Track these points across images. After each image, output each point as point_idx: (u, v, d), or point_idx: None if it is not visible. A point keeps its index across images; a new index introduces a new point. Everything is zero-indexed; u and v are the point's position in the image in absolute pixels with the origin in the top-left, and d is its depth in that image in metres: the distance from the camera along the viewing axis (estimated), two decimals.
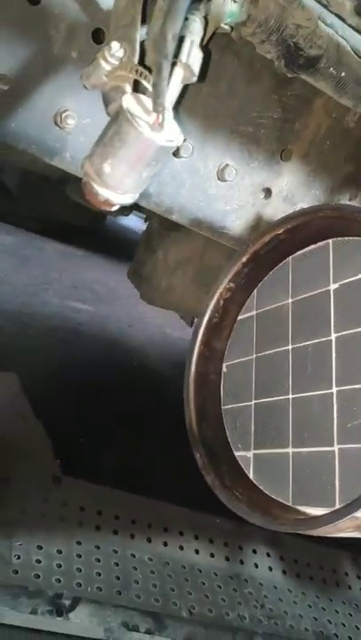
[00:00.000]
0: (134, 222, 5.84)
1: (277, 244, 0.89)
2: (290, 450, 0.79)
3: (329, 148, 1.07)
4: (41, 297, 3.52)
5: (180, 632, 1.49)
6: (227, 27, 0.75)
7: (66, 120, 0.82)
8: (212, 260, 1.71)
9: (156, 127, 0.63)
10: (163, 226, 1.75)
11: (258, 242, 0.90)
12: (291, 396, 0.82)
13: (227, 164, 1.01)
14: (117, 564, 1.71)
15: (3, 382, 2.40)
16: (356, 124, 1.05)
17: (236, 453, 0.87)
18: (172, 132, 0.65)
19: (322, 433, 0.76)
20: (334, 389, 0.76)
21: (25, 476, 1.86)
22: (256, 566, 1.94)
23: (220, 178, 1.02)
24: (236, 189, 1.05)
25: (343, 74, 0.79)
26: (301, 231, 0.86)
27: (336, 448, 0.73)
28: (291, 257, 0.90)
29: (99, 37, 0.82)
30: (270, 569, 1.96)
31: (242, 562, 1.93)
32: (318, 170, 1.08)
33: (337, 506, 0.71)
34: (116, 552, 1.76)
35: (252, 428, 0.86)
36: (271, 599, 1.84)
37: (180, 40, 0.65)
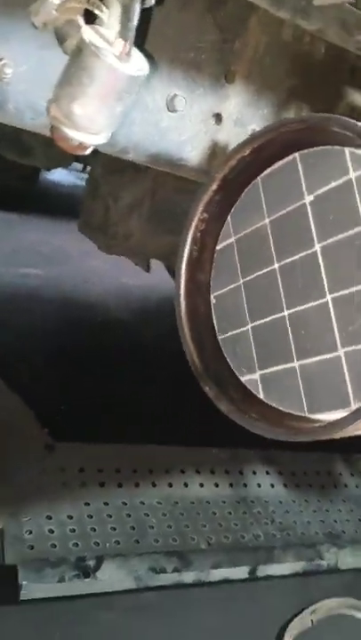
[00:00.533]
0: (62, 176, 5.63)
1: (244, 166, 0.87)
2: (295, 363, 0.80)
3: (269, 64, 1.05)
4: None
5: (205, 563, 1.55)
6: None
7: (3, 70, 0.76)
8: (164, 197, 1.67)
9: (123, 57, 0.59)
10: (107, 170, 1.68)
11: (225, 167, 0.87)
12: (286, 313, 0.82)
13: (175, 94, 0.98)
14: (129, 515, 1.75)
15: None
16: (293, 38, 1.03)
17: (243, 378, 0.87)
18: (139, 61, 0.61)
19: (324, 341, 0.77)
20: (329, 297, 0.77)
21: (16, 451, 1.84)
22: (259, 486, 2.03)
23: (171, 109, 0.99)
24: (187, 119, 1.02)
25: None
26: (267, 149, 0.84)
27: (341, 352, 0.75)
28: (259, 177, 0.88)
29: None
30: (272, 486, 2.05)
31: (245, 485, 2.01)
32: (263, 88, 1.06)
33: (353, 406, 0.73)
34: (125, 504, 1.79)
35: (253, 350, 0.86)
36: (279, 513, 1.93)
37: None
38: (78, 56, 0.58)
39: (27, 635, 1.32)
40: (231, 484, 2.00)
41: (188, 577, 1.51)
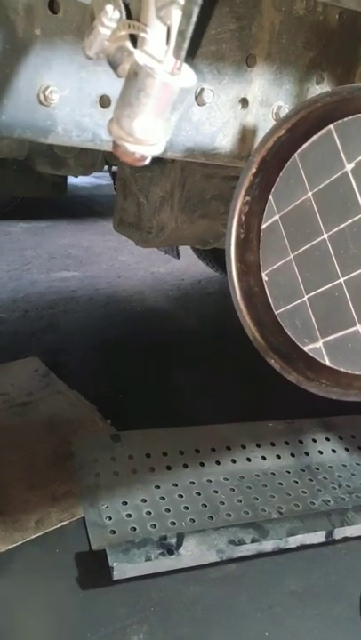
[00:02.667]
0: (81, 178, 5.70)
1: (281, 145, 0.90)
2: (358, 326, 0.83)
3: (287, 41, 1.08)
4: (27, 278, 3.50)
5: (281, 531, 1.60)
6: None
7: (50, 96, 0.82)
8: (193, 185, 1.70)
9: (175, 72, 0.63)
10: (135, 169, 1.72)
11: (262, 149, 0.90)
12: (342, 279, 0.85)
13: (202, 88, 1.01)
14: (199, 494, 1.81)
15: (28, 368, 2.43)
16: (305, 11, 1.05)
17: (306, 348, 0.91)
18: (187, 72, 0.65)
19: None
20: None
21: (86, 444, 1.93)
22: (321, 453, 2.06)
23: (200, 102, 1.02)
24: (216, 109, 1.05)
25: None
26: (301, 126, 0.87)
27: None
28: (296, 153, 0.91)
29: (53, 8, 0.83)
30: (334, 451, 2.08)
31: (307, 453, 2.05)
32: (283, 65, 1.09)
33: None
34: (193, 483, 1.85)
35: (313, 320, 0.90)
36: (345, 477, 1.96)
37: None
38: (134, 78, 0.62)
39: (123, 612, 1.40)
40: (293, 454, 2.04)
41: (268, 546, 1.57)
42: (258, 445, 2.06)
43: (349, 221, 0.84)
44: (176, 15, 0.59)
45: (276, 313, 0.96)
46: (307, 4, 1.05)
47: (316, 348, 0.90)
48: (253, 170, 0.93)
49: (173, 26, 0.60)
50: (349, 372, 0.85)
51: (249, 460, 2.00)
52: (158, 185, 1.77)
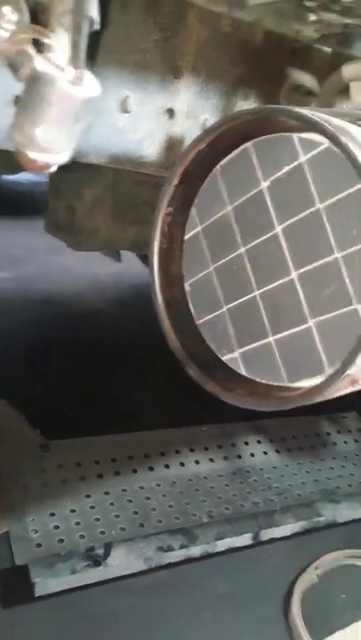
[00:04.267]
0: (19, 175, 5.55)
1: (202, 158, 0.91)
2: (271, 338, 0.86)
3: (213, 55, 1.10)
4: None
5: (210, 536, 1.61)
6: None
7: None
8: (125, 190, 1.70)
9: (77, 82, 0.62)
10: (67, 171, 1.70)
11: (184, 161, 0.91)
12: (258, 292, 0.87)
13: (127, 96, 1.01)
14: (130, 501, 1.80)
15: None
16: (232, 28, 1.07)
17: (224, 358, 0.93)
18: (90, 83, 0.64)
19: (295, 314, 0.82)
20: (294, 274, 0.82)
21: (13, 454, 1.88)
22: (252, 455, 2.10)
23: (124, 110, 1.03)
24: (141, 117, 1.06)
25: None
26: (222, 141, 0.88)
27: (311, 323, 0.80)
28: (217, 167, 0.92)
29: None
30: (265, 453, 2.13)
31: (239, 456, 2.08)
32: (209, 79, 1.11)
33: (327, 371, 0.79)
34: (125, 490, 1.84)
35: (231, 330, 0.91)
36: (275, 479, 2.01)
37: None
38: (34, 84, 0.60)
39: (47, 630, 1.37)
40: (226, 458, 2.07)
41: (196, 551, 1.58)
42: (192, 450, 2.08)
43: (264, 237, 0.85)
44: (72, 24, 0.58)
45: (197, 323, 0.97)
46: (233, 22, 1.07)
47: (233, 358, 0.91)
48: (176, 181, 0.93)
49: (71, 35, 0.59)
50: (264, 381, 0.87)
51: (182, 464, 2.01)
52: (90, 189, 1.75)
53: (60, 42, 0.62)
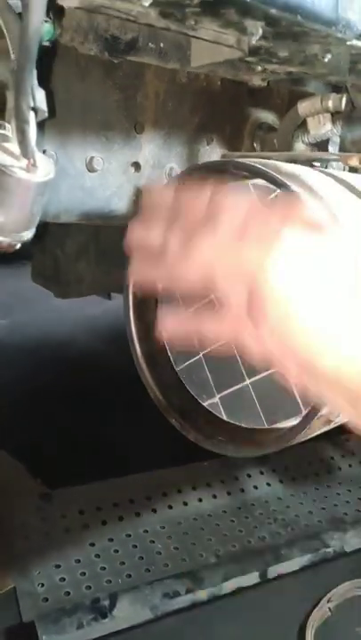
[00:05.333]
0: None
1: None
2: (247, 382, 0.86)
3: (173, 107, 1.13)
4: None
5: (216, 577, 1.59)
6: (48, 43, 0.77)
7: None
8: (107, 238, 1.72)
9: (30, 168, 0.65)
10: (50, 223, 1.73)
11: None
12: None
13: (92, 157, 1.04)
14: (135, 546, 1.78)
15: None
16: (187, 79, 1.10)
17: (205, 404, 0.93)
18: (45, 166, 0.67)
19: None
20: None
21: (14, 506, 1.86)
22: (256, 488, 2.08)
23: (91, 169, 1.05)
24: (108, 175, 1.08)
25: (162, 44, 0.84)
26: None
27: None
28: None
29: None
30: (268, 484, 2.10)
31: (242, 490, 2.06)
32: (172, 130, 1.14)
33: (303, 411, 0.79)
34: (130, 535, 1.81)
35: (209, 375, 0.92)
36: (280, 510, 1.98)
37: None
38: None
39: None
40: (229, 493, 2.05)
41: (202, 595, 1.55)
42: (194, 488, 2.05)
43: None
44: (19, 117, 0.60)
45: (177, 370, 0.97)
46: (188, 74, 1.10)
47: (213, 403, 0.91)
48: None
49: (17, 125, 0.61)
50: (244, 425, 0.87)
51: (185, 503, 1.98)
52: (73, 238, 1.78)
53: (15, 131, 0.65)
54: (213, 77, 1.13)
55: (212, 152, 1.20)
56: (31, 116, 0.64)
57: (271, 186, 0.78)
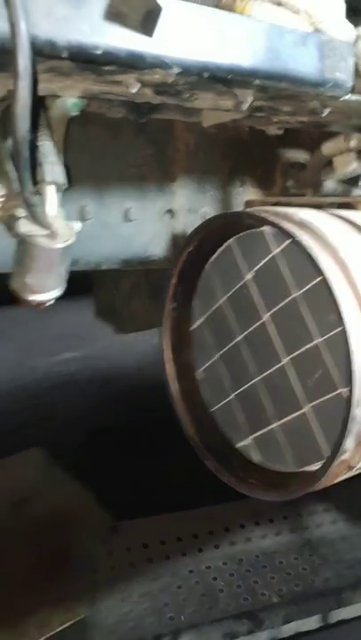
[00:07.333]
0: None
1: (193, 258, 0.97)
2: (276, 424, 0.87)
3: (204, 156, 1.18)
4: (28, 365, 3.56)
5: (276, 619, 1.56)
6: (77, 113, 0.84)
7: None
8: (156, 276, 1.79)
9: (53, 236, 0.72)
10: None
11: (178, 263, 0.98)
12: (258, 378, 0.89)
13: (128, 208, 1.10)
14: (198, 583, 1.78)
15: (28, 460, 2.44)
16: (217, 129, 1.15)
17: (238, 445, 0.94)
18: (66, 233, 0.74)
19: (292, 399, 0.84)
20: (285, 360, 0.84)
21: (83, 540, 1.92)
22: (319, 526, 2.02)
23: (127, 219, 1.12)
24: (144, 223, 1.15)
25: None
26: (207, 242, 0.94)
27: (307, 408, 0.81)
28: (207, 264, 0.98)
29: None
30: (333, 522, 2.04)
31: (306, 527, 2.01)
32: (204, 176, 1.19)
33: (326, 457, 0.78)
34: (192, 572, 1.82)
35: (242, 417, 0.94)
36: (345, 549, 1.92)
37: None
38: (22, 243, 0.72)
39: None
40: (292, 530, 2.01)
41: (263, 637, 1.52)
42: (257, 523, 2.03)
43: (255, 325, 0.89)
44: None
45: (210, 411, 1.00)
46: (215, 125, 1.15)
47: (246, 445, 0.93)
48: (174, 281, 1.00)
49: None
50: (275, 469, 0.87)
51: (248, 539, 1.97)
52: (126, 277, 1.87)
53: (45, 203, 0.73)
54: (240, 127, 1.17)
55: (245, 193, 1.25)
56: (51, 190, 0.72)
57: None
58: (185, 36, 0.62)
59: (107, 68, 0.64)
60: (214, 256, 0.96)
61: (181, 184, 1.17)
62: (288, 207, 0.91)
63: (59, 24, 0.54)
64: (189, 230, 1.19)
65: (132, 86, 0.69)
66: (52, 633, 1.60)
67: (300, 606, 1.61)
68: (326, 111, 0.86)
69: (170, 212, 1.17)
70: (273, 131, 1.03)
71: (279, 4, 0.70)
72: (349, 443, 0.72)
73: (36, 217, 0.70)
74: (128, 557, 1.87)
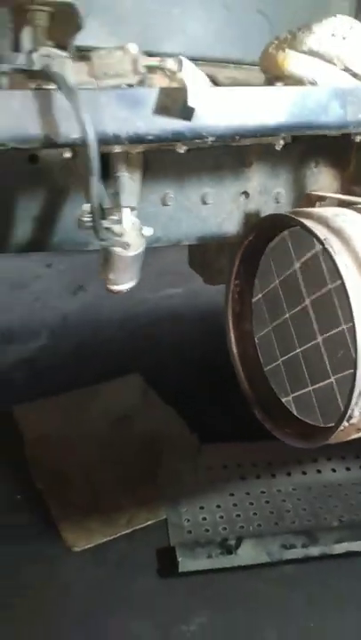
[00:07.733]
0: None
1: (254, 245, 1.15)
2: (310, 388, 1.07)
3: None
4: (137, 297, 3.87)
5: (329, 539, 1.80)
6: None
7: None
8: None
9: (125, 246, 0.94)
10: None
11: (242, 248, 1.17)
12: (298, 350, 1.09)
13: (206, 192, 1.27)
14: (268, 502, 2.05)
15: (129, 385, 2.81)
16: None
17: (283, 400, 1.16)
18: (137, 243, 0.96)
19: (323, 371, 1.02)
20: (320, 338, 1.02)
21: (173, 456, 2.26)
22: None
23: (205, 202, 1.28)
24: (220, 205, 1.30)
25: None
26: (265, 232, 1.12)
27: (333, 379, 1.00)
28: (267, 249, 1.15)
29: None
30: None
31: None
32: (278, 160, 1.29)
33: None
34: (264, 492, 2.09)
35: (286, 378, 1.14)
36: None
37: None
38: (104, 248, 0.95)
39: (190, 598, 1.72)
40: None
41: (315, 551, 1.78)
42: (329, 459, 2.23)
43: (299, 307, 1.07)
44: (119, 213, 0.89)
45: (265, 370, 1.21)
46: None
47: (288, 401, 1.13)
48: (237, 262, 1.19)
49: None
50: (308, 421, 1.08)
51: (319, 471, 2.19)
52: None
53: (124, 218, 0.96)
54: None
55: (320, 174, 1.35)
56: (126, 212, 0.94)
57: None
58: (216, 112, 0.79)
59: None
60: (272, 243, 1.13)
61: (256, 169, 1.30)
62: (339, 208, 1.04)
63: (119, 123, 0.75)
64: (262, 209, 1.35)
65: (180, 148, 0.89)
66: (139, 526, 1.97)
67: (354, 531, 1.83)
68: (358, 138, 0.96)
69: (245, 193, 1.31)
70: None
71: (314, 54, 0.82)
72: (356, 412, 0.90)
73: (108, 240, 0.92)
74: (209, 475, 2.17)
